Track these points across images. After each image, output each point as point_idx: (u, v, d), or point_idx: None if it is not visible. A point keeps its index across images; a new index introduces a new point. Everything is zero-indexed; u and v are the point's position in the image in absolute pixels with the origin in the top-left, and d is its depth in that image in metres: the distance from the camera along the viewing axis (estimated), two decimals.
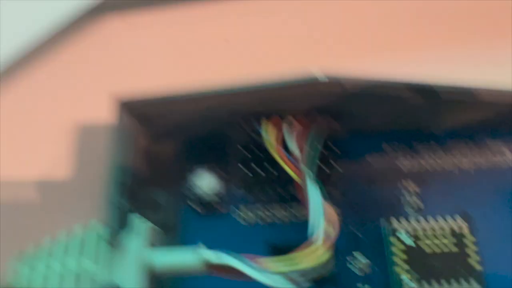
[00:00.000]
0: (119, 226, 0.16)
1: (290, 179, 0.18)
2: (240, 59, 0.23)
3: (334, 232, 0.16)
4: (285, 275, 0.14)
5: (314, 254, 0.15)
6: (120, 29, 0.24)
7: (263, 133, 0.18)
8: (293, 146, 0.17)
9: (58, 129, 0.21)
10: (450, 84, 0.17)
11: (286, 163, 0.17)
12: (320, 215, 0.16)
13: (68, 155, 0.20)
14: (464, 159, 0.19)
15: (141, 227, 0.16)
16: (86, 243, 0.16)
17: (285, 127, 0.18)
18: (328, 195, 0.18)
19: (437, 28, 0.24)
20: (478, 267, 0.17)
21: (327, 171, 0.18)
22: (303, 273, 0.15)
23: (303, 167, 0.17)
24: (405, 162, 0.20)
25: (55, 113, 0.21)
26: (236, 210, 0.19)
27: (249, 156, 0.19)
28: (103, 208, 0.16)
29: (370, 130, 0.19)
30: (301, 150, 0.17)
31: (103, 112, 0.18)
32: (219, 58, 0.23)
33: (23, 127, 0.22)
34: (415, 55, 0.23)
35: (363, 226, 0.18)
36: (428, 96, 0.17)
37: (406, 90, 0.17)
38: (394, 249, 0.18)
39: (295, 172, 0.17)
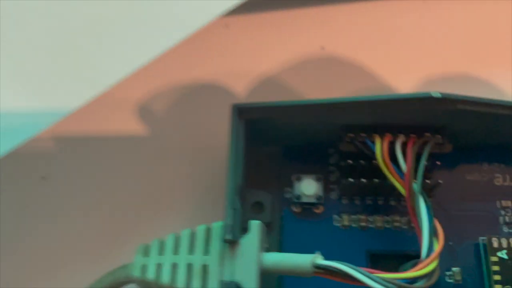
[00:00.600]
0: (237, 227, 0.17)
1: (390, 191, 0.19)
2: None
3: (439, 246, 0.16)
4: (394, 282, 0.15)
5: (424, 267, 0.16)
6: (219, 32, 0.25)
7: (374, 147, 0.18)
8: (402, 161, 0.18)
9: (182, 135, 0.22)
10: None
11: (395, 178, 0.18)
12: (432, 233, 0.17)
13: (191, 161, 0.22)
14: None
15: (257, 229, 0.17)
16: (208, 242, 0.18)
17: (397, 143, 0.18)
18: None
19: None
20: None
21: (430, 184, 0.19)
22: (411, 281, 0.16)
23: (411, 180, 0.17)
24: (500, 179, 0.20)
25: (178, 119, 0.23)
26: (334, 215, 0.20)
27: (353, 166, 0.19)
28: (223, 210, 0.17)
29: (473, 146, 0.20)
30: (409, 166, 0.18)
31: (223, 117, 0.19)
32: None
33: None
34: None
35: (461, 242, 0.19)
36: None
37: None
38: (493, 267, 0.18)
39: (403, 186, 0.18)
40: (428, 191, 0.19)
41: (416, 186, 0.17)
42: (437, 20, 0.26)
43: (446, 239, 0.19)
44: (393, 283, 0.15)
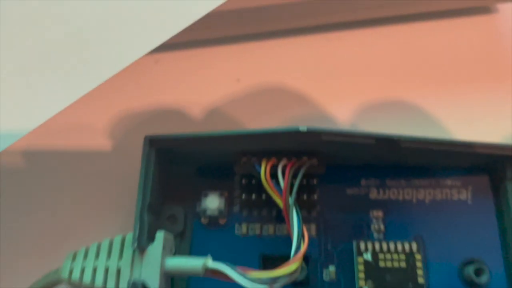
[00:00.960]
0: (144, 237, 0.21)
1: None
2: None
3: (304, 247, 0.20)
4: (261, 280, 0.19)
5: (288, 265, 0.20)
6: (147, 65, 0.29)
7: (260, 169, 0.23)
8: (281, 179, 0.22)
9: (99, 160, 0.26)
10: (408, 136, 0.22)
11: (275, 193, 0.22)
12: (299, 238, 0.21)
13: (109, 181, 0.26)
14: (423, 192, 0.24)
15: (162, 238, 0.21)
16: (122, 249, 0.22)
17: (279, 165, 0.23)
18: (309, 218, 0.24)
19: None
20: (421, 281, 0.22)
21: (309, 198, 0.23)
22: (276, 279, 0.20)
23: (287, 196, 0.22)
24: (374, 193, 0.24)
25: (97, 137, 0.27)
26: (236, 225, 0.24)
27: (249, 185, 0.23)
28: (134, 223, 0.21)
29: (344, 166, 0.24)
30: (286, 183, 0.22)
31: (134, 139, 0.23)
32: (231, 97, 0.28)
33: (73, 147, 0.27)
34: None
35: (337, 246, 0.23)
36: (390, 146, 0.22)
37: (371, 140, 0.22)
38: (359, 267, 0.22)
39: (280, 199, 0.22)
40: (310, 206, 0.24)
41: (291, 199, 0.21)
42: (343, 51, 0.30)
43: (325, 243, 0.23)
44: (259, 280, 0.20)
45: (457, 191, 0.24)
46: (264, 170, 0.22)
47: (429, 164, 0.24)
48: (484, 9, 0.30)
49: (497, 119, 0.26)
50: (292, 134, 0.21)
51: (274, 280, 0.20)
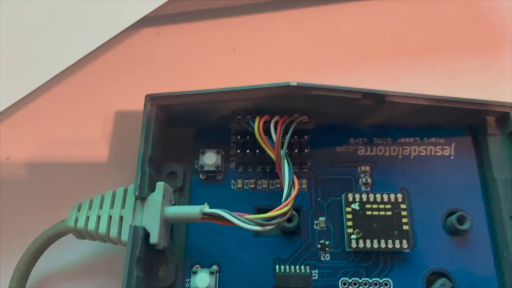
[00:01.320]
0: (145, 187, 0.23)
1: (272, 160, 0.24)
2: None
3: (294, 192, 0.22)
4: (255, 220, 0.21)
5: (280, 208, 0.21)
6: (151, 40, 0.31)
7: (254, 124, 0.24)
8: (273, 134, 0.23)
9: (102, 116, 0.28)
10: (393, 91, 0.23)
11: (268, 147, 0.23)
12: (290, 185, 0.22)
13: (112, 136, 0.28)
14: (408, 149, 0.25)
15: (162, 188, 0.23)
16: (124, 199, 0.23)
17: (272, 121, 0.24)
18: (301, 173, 0.25)
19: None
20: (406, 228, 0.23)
21: (300, 154, 0.25)
22: (268, 219, 0.21)
23: (279, 148, 0.23)
24: (362, 151, 0.26)
25: (99, 104, 0.29)
26: (232, 180, 0.25)
27: (243, 142, 0.25)
28: (136, 172, 0.23)
29: (334, 126, 0.26)
30: (277, 136, 0.23)
31: (138, 105, 0.25)
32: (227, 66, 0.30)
33: (77, 114, 0.29)
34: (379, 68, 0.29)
35: (327, 199, 0.25)
36: (375, 100, 0.23)
37: (357, 94, 0.23)
38: (348, 215, 0.24)
39: (273, 153, 0.23)
40: (302, 161, 0.25)
41: (282, 151, 0.23)
42: (336, 23, 0.31)
43: (316, 196, 0.25)
44: (253, 221, 0.21)
45: (441, 148, 0.25)
46: (257, 125, 0.24)
47: (414, 123, 0.25)
48: None
49: (480, 82, 0.27)
50: (284, 89, 0.23)
51: (267, 220, 0.21)
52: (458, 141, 0.25)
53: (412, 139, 0.26)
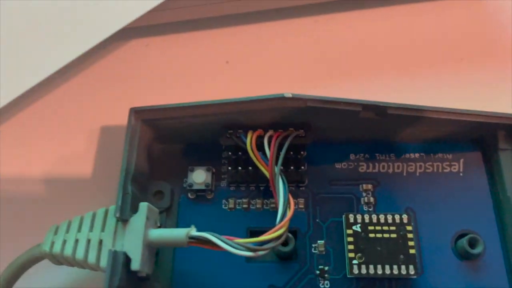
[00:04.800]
0: (127, 208, 0.21)
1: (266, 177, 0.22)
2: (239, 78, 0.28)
3: (290, 213, 0.20)
4: (246, 245, 0.19)
5: (274, 231, 0.19)
6: (140, 51, 0.29)
7: (246, 140, 0.22)
8: (267, 149, 0.22)
9: (86, 132, 0.26)
10: (396, 103, 0.22)
11: (261, 163, 0.22)
12: (285, 204, 0.20)
13: (95, 152, 0.26)
14: (413, 165, 0.23)
15: (145, 209, 0.21)
16: (104, 221, 0.21)
17: (266, 136, 0.22)
18: (297, 192, 0.23)
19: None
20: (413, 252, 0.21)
21: (297, 171, 0.23)
22: (261, 244, 0.19)
23: (273, 164, 0.21)
24: (364, 167, 0.24)
25: (83, 118, 0.27)
26: (223, 200, 0.23)
27: (235, 157, 0.23)
28: (117, 192, 0.21)
29: (333, 141, 0.24)
30: (272, 152, 0.21)
31: (122, 119, 0.23)
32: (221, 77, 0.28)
33: (58, 128, 0.27)
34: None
35: (327, 219, 0.23)
36: (377, 113, 0.22)
37: (357, 106, 0.21)
38: (349, 238, 0.21)
39: (266, 170, 0.21)
40: (299, 178, 0.23)
41: (276, 168, 0.21)
42: (334, 32, 0.30)
43: (314, 217, 0.23)
44: (244, 246, 0.19)
45: (449, 164, 0.24)
46: (250, 140, 0.22)
47: (419, 138, 0.24)
48: None
49: (487, 94, 0.26)
50: (278, 101, 0.21)
51: (260, 245, 0.19)
52: (467, 156, 0.24)
53: (417, 155, 0.24)
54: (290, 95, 0.21)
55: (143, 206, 0.21)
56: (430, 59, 0.28)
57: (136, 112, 0.22)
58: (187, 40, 0.29)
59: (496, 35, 0.28)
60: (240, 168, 0.23)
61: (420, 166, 0.24)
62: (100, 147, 0.26)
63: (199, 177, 0.23)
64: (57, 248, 0.21)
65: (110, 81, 0.28)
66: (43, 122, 0.27)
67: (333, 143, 0.24)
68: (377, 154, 0.24)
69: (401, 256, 0.21)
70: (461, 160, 0.24)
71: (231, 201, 0.23)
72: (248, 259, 0.22)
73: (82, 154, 0.26)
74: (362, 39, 0.29)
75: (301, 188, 0.23)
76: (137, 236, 0.20)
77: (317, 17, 0.29)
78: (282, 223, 0.20)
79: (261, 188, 0.24)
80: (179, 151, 0.25)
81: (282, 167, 0.22)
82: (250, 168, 0.23)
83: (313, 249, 0.22)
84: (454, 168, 0.23)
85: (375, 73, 0.28)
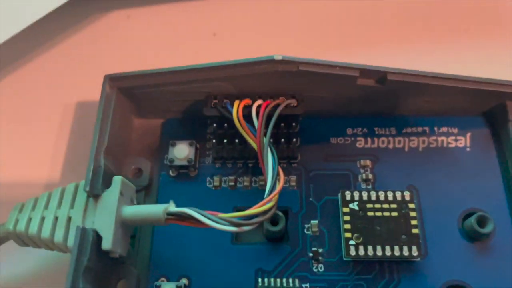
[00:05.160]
0: (99, 182, 0.19)
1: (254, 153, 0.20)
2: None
3: (279, 187, 0.18)
4: (230, 220, 0.17)
5: (262, 204, 0.17)
6: (117, 21, 0.27)
7: (232, 109, 0.20)
8: (255, 119, 0.20)
9: (59, 105, 0.24)
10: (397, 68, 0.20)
11: (248, 135, 0.20)
12: (274, 177, 0.18)
13: (69, 126, 0.24)
14: (415, 140, 0.21)
15: (119, 183, 0.19)
16: (74, 197, 0.19)
17: (253, 105, 0.20)
18: (289, 169, 0.21)
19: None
20: (416, 231, 0.19)
21: (288, 146, 0.21)
22: (246, 218, 0.17)
23: (261, 135, 0.19)
24: (362, 142, 0.22)
25: (59, 93, 0.25)
26: (207, 177, 0.21)
27: (220, 130, 0.21)
28: (88, 164, 0.19)
29: (328, 115, 0.22)
30: (260, 121, 0.19)
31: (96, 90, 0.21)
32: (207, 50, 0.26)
33: (30, 102, 0.25)
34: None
35: (321, 198, 0.21)
36: (377, 79, 0.20)
37: (355, 71, 0.19)
38: (345, 217, 0.19)
39: (254, 142, 0.19)
40: (291, 154, 0.21)
41: (265, 139, 0.19)
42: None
43: (307, 195, 0.21)
44: (228, 221, 0.17)
45: (454, 139, 0.22)
46: (236, 109, 0.20)
47: (421, 111, 0.22)
48: None
49: (494, 65, 0.24)
50: (267, 64, 0.19)
51: (246, 219, 0.17)
52: (474, 130, 0.22)
53: (420, 129, 0.22)
54: (280, 58, 0.19)
55: (117, 180, 0.19)
56: (434, 30, 0.26)
57: (111, 80, 0.20)
58: (171, 12, 0.27)
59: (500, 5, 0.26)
60: (226, 141, 0.21)
61: (423, 141, 0.22)
62: (76, 122, 0.24)
63: (181, 152, 0.21)
64: (21, 227, 0.19)
65: (89, 55, 0.26)
66: (19, 96, 0.25)
67: (328, 116, 0.22)
68: (376, 128, 0.22)
69: (403, 236, 0.19)
70: (468, 135, 0.22)
71: (216, 178, 0.21)
72: (235, 239, 0.20)
73: (57, 129, 0.24)
74: (362, 8, 0.27)
75: (293, 165, 0.21)
76: (109, 212, 0.18)
77: None
78: (271, 196, 0.18)
79: (250, 165, 0.21)
80: (159, 126, 0.23)
81: (271, 140, 0.20)
82: (236, 140, 0.21)
83: (306, 229, 0.20)
84: (460, 143, 0.21)
85: (376, 45, 0.26)
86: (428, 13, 0.27)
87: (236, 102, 0.20)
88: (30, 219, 0.19)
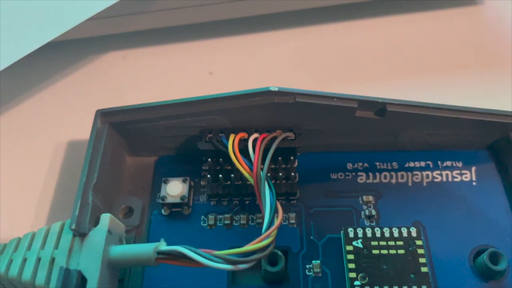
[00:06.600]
0: (85, 220, 0.18)
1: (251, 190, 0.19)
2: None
3: (278, 221, 0.17)
4: (225, 257, 0.15)
5: (259, 241, 0.16)
6: (113, 61, 0.27)
7: (228, 143, 0.19)
8: (251, 152, 0.19)
9: (51, 143, 0.24)
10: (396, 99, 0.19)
11: (244, 168, 0.19)
12: (272, 211, 0.17)
13: (59, 165, 0.23)
14: (419, 175, 0.21)
15: (107, 221, 0.18)
16: (59, 237, 0.18)
17: (250, 138, 0.19)
18: (288, 207, 0.20)
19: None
20: (425, 270, 0.18)
21: (287, 182, 0.20)
22: (243, 255, 0.16)
23: (258, 168, 0.18)
24: (363, 178, 0.21)
25: (54, 132, 0.24)
26: (202, 215, 0.20)
27: (216, 167, 0.20)
28: (75, 201, 0.18)
29: (327, 150, 0.21)
30: (257, 154, 0.18)
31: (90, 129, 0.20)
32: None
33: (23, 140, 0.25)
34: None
35: (322, 236, 0.19)
36: (376, 110, 0.19)
37: (353, 102, 0.19)
38: (349, 256, 0.18)
39: (251, 175, 0.18)
40: (290, 190, 0.20)
41: (262, 173, 0.18)
42: (328, 43, 0.28)
43: (308, 234, 0.20)
44: (222, 258, 0.16)
45: (459, 173, 0.21)
46: (232, 142, 0.19)
47: (423, 145, 0.21)
48: (470, 1, 0.28)
49: (492, 100, 0.23)
50: (263, 96, 0.19)
51: (243, 257, 0.16)
52: (478, 164, 0.21)
53: (423, 163, 0.21)
54: (277, 89, 0.18)
55: (105, 217, 0.18)
56: (432, 67, 0.26)
57: (103, 115, 0.20)
58: (167, 52, 0.27)
59: (497, 40, 0.27)
60: (221, 176, 0.20)
61: (427, 175, 0.21)
62: (67, 160, 0.23)
63: (174, 189, 0.20)
64: (1, 269, 0.17)
65: (85, 94, 0.25)
66: (13, 133, 0.24)
67: (327, 150, 0.21)
68: (377, 163, 0.21)
69: (412, 276, 0.18)
70: (473, 168, 0.21)
71: (211, 217, 0.20)
72: (230, 282, 0.19)
73: (47, 168, 0.23)
74: (360, 48, 0.27)
75: (292, 202, 0.20)
76: (96, 252, 0.17)
77: (303, 29, 0.27)
78: (269, 231, 0.16)
79: (246, 202, 0.20)
80: (153, 164, 0.22)
81: (269, 174, 0.19)
82: (232, 175, 0.20)
83: (307, 270, 0.19)
84: (466, 177, 0.21)
85: (375, 80, 0.25)
86: (426, 53, 0.27)
87: (232, 136, 0.19)
88: (11, 261, 0.18)
